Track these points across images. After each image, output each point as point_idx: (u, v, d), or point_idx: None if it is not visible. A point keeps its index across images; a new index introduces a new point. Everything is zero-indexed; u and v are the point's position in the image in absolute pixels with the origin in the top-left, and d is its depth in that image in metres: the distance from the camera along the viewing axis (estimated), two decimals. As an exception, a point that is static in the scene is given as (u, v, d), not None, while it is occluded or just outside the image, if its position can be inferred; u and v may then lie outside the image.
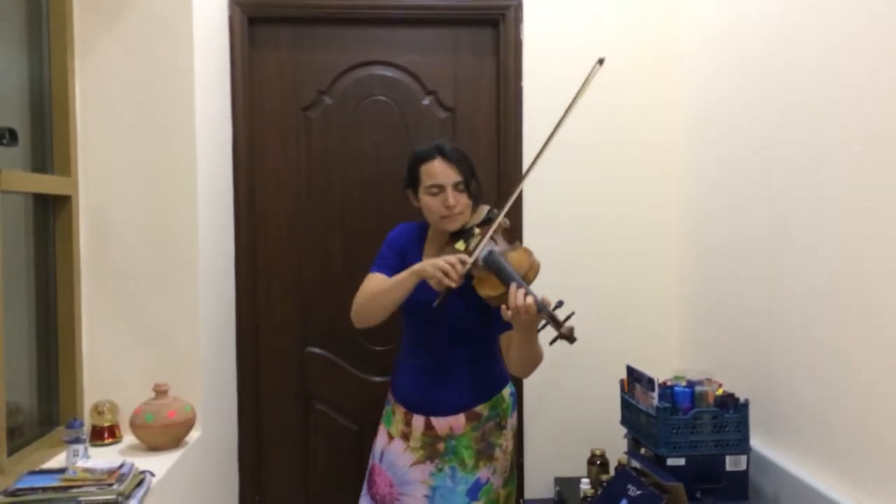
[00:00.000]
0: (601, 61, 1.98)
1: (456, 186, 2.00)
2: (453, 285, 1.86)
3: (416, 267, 1.92)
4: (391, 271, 2.06)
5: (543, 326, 1.81)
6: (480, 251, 1.93)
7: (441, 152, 2.02)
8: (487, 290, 1.91)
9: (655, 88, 2.81)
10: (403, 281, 1.95)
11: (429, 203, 2.02)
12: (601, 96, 2.79)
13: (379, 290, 2.01)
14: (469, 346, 2.07)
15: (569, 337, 1.77)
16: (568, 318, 1.78)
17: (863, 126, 1.70)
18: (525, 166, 2.78)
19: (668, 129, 2.82)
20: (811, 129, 1.91)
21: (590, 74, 1.96)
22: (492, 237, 1.96)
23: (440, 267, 1.85)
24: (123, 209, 2.24)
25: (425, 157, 2.03)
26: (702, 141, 2.62)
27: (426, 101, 2.87)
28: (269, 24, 2.80)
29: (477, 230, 2.02)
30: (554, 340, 1.79)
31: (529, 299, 1.76)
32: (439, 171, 2.00)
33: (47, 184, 2.07)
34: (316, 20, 2.82)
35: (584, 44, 2.78)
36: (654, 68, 2.81)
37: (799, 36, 1.97)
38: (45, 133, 2.13)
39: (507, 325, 1.95)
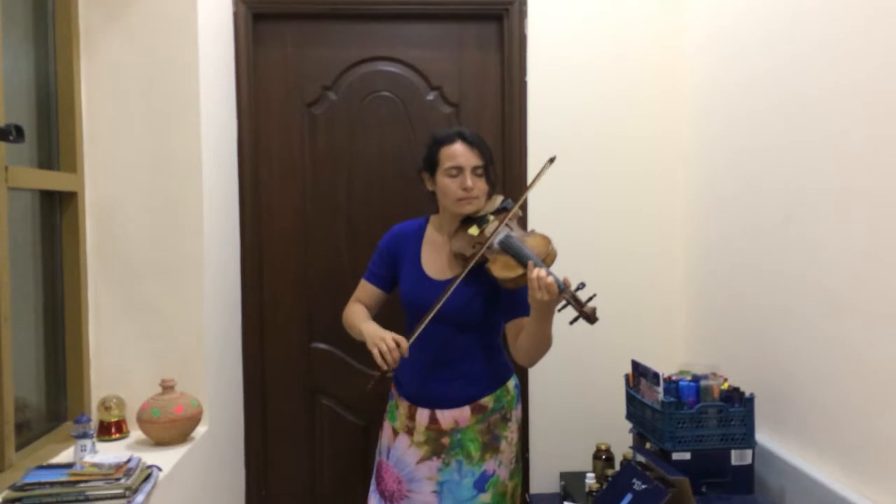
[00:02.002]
0: (552, 160, 2.01)
1: (475, 170, 2.02)
2: (384, 368, 1.92)
3: (365, 331, 2.02)
4: (377, 279, 2.21)
5: (563, 307, 1.81)
6: (496, 235, 1.94)
7: (462, 136, 2.05)
8: (504, 271, 1.90)
9: (661, 81, 2.80)
10: (358, 332, 2.09)
11: (446, 185, 2.03)
12: (606, 89, 2.80)
13: (350, 320, 2.17)
14: (473, 336, 2.07)
15: (591, 316, 1.78)
16: (590, 299, 1.79)
17: (869, 118, 1.70)
18: (528, 159, 2.78)
19: (673, 123, 2.81)
20: (817, 122, 1.91)
21: (541, 171, 2.00)
22: (507, 224, 1.98)
23: (378, 346, 1.92)
24: (129, 205, 2.24)
25: (446, 140, 2.05)
26: (707, 134, 2.61)
27: (430, 97, 2.87)
28: (274, 20, 2.81)
29: (491, 217, 2.04)
30: (574, 320, 1.81)
31: (550, 279, 1.76)
32: (460, 153, 2.02)
33: (54, 180, 2.08)
34: (320, 16, 2.82)
35: (588, 37, 2.78)
36: (659, 61, 2.80)
37: (805, 28, 1.96)
38: (51, 129, 2.14)
39: (518, 311, 1.96)
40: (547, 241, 1.96)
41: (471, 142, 2.04)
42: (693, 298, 2.76)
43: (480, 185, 2.04)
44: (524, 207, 2.72)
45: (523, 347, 1.95)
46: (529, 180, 2.77)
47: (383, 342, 1.91)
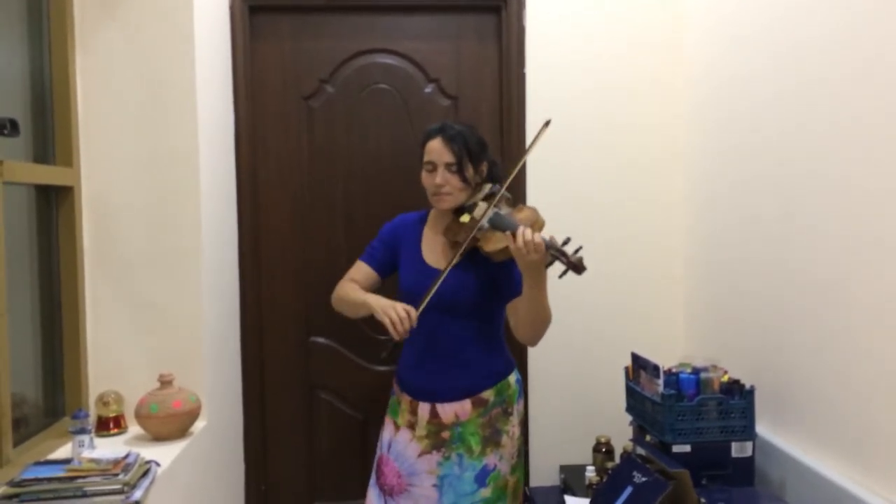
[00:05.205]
0: (548, 123, 2.01)
1: (448, 167, 2.04)
2: (396, 338, 1.93)
3: (373, 302, 2.00)
4: (376, 262, 2.20)
5: (551, 263, 1.84)
6: (485, 217, 1.97)
7: (442, 132, 2.06)
8: (494, 244, 1.93)
9: (661, 73, 2.79)
10: (360, 306, 2.06)
11: (424, 179, 2.09)
12: (605, 81, 2.78)
13: (346, 298, 2.14)
14: (468, 324, 2.07)
15: (578, 266, 1.80)
16: (577, 251, 1.81)
17: (870, 109, 1.69)
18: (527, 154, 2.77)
19: (673, 114, 2.80)
20: (818, 113, 1.90)
21: (538, 134, 2.01)
22: (496, 206, 2.00)
23: (389, 315, 1.92)
24: (126, 199, 2.23)
25: (430, 135, 2.09)
26: (707, 126, 2.60)
27: (428, 89, 2.86)
28: (270, 12, 2.79)
29: (481, 202, 2.06)
30: (564, 273, 1.83)
31: (537, 236, 1.79)
32: (435, 149, 2.05)
33: (49, 175, 2.07)
34: (316, 8, 2.80)
35: (587, 29, 2.77)
36: (658, 52, 2.79)
37: (805, 20, 1.95)
38: (47, 123, 2.12)
39: (515, 290, 1.96)
40: (535, 210, 1.99)
41: (450, 138, 2.04)
42: (693, 291, 2.76)
43: (453, 182, 2.04)
44: (520, 187, 2.70)
45: (523, 320, 1.95)
46: (526, 158, 2.76)
47: (394, 310, 1.93)
